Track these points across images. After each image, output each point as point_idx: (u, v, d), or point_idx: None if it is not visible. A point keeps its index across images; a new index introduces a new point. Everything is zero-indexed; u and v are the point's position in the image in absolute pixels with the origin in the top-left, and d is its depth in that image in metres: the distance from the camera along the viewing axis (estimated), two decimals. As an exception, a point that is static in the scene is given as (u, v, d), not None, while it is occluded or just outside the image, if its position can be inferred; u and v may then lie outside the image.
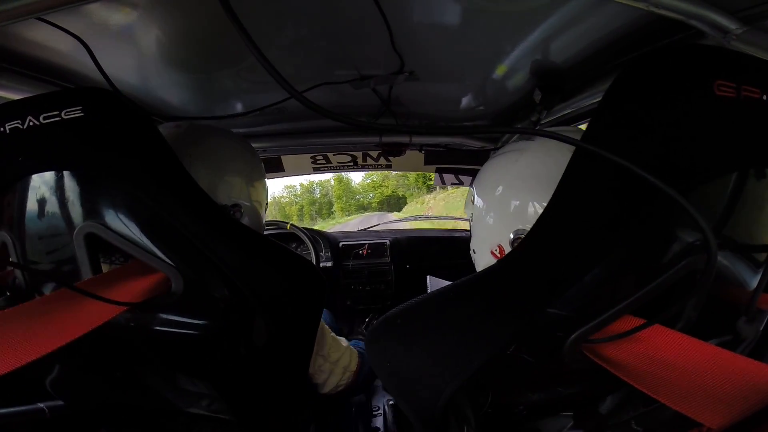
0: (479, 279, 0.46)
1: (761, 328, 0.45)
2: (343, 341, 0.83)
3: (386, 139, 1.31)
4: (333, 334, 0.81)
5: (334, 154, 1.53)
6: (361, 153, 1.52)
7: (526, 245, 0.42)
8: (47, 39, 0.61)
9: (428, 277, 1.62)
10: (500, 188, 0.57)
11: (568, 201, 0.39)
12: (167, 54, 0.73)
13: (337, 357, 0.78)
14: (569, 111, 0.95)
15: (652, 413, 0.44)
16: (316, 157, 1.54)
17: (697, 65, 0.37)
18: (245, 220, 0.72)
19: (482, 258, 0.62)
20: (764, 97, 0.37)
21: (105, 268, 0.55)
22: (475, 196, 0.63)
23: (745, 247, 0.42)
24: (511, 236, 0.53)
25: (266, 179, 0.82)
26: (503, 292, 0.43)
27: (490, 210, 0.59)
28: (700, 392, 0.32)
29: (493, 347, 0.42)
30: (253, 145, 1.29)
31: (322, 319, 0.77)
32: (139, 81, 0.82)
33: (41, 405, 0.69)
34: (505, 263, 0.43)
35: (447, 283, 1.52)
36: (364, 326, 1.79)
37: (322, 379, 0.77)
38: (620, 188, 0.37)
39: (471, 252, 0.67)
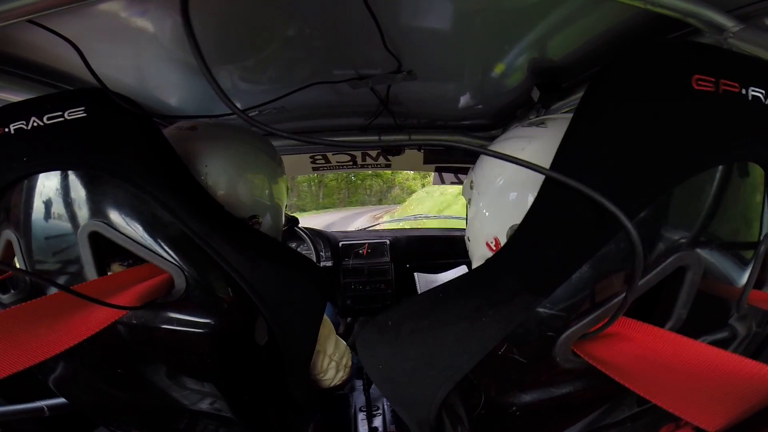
0: (468, 279, 0.46)
1: (754, 326, 0.44)
2: (341, 340, 0.85)
3: (385, 138, 1.31)
4: (334, 333, 0.84)
5: (333, 154, 1.53)
6: (360, 152, 1.52)
7: (513, 243, 0.42)
8: (42, 41, 0.61)
9: (416, 274, 1.62)
10: (501, 179, 0.54)
11: (553, 198, 0.39)
12: (164, 54, 0.73)
13: (340, 355, 0.81)
14: (568, 110, 0.95)
15: (646, 413, 0.44)
16: (315, 157, 1.54)
17: (676, 60, 0.37)
18: (266, 224, 0.71)
19: (477, 248, 0.60)
20: (743, 91, 0.37)
21: (111, 267, 0.56)
22: (475, 182, 0.60)
23: (730, 244, 0.42)
24: (508, 231, 0.52)
25: (286, 176, 0.81)
26: (492, 292, 0.42)
27: (488, 200, 0.56)
28: (695, 393, 0.32)
29: (485, 348, 0.42)
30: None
31: (328, 319, 0.78)
32: (135, 81, 0.82)
33: (41, 404, 0.69)
34: (493, 262, 0.43)
35: (434, 276, 1.51)
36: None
37: (328, 376, 0.79)
38: (605, 184, 0.37)
39: (466, 239, 0.65)
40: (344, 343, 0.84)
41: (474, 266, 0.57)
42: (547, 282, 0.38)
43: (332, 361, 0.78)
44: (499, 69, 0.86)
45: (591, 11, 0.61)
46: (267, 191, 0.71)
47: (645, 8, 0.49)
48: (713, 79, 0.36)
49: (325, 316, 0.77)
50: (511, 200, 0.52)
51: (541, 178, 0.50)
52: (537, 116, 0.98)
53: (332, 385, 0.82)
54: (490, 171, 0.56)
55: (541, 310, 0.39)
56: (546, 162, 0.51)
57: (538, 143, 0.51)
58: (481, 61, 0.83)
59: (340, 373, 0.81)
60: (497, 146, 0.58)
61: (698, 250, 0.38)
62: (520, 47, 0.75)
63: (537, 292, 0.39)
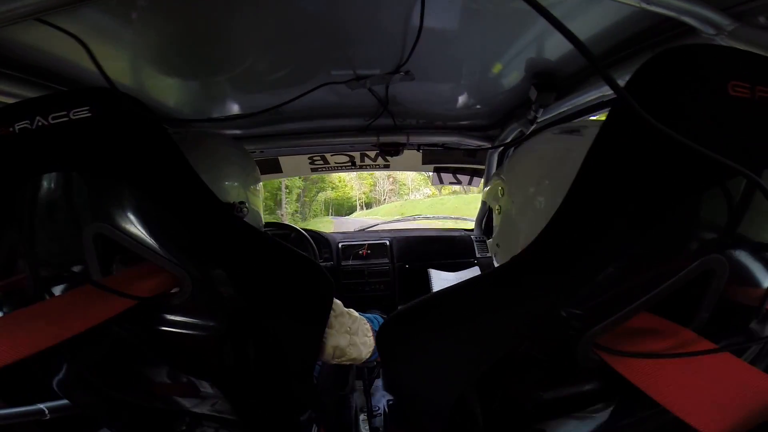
0: (492, 277, 0.46)
1: None
2: (352, 313, 0.81)
3: (383, 139, 1.31)
4: (356, 314, 0.80)
5: (331, 155, 1.53)
6: (358, 153, 1.53)
7: (539, 243, 0.42)
8: (43, 42, 0.62)
9: (430, 270, 1.62)
10: (533, 187, 0.52)
11: (582, 199, 0.39)
12: (163, 56, 0.73)
13: (356, 329, 0.77)
14: (565, 108, 0.95)
15: (658, 416, 0.44)
16: (314, 158, 1.54)
17: (711, 66, 0.36)
18: (247, 220, 0.72)
19: (510, 254, 0.55)
20: None
21: (115, 268, 0.56)
22: (508, 187, 0.58)
23: (757, 249, 0.41)
24: None
25: (261, 183, 0.83)
26: (517, 290, 0.42)
27: (527, 207, 0.53)
28: (700, 397, 0.32)
29: (505, 345, 0.42)
30: (251, 146, 1.30)
31: (338, 301, 0.76)
32: (135, 83, 0.82)
33: (41, 406, 0.69)
34: (517, 261, 0.43)
35: (447, 274, 1.50)
36: None
37: (356, 353, 0.75)
38: (636, 187, 0.37)
39: (494, 246, 0.63)
40: (357, 315, 0.80)
41: None
42: (571, 282, 0.38)
43: (355, 335, 0.75)
44: (496, 69, 0.87)
45: (587, 11, 0.61)
46: (243, 197, 0.75)
47: (640, 7, 0.49)
48: (749, 86, 0.35)
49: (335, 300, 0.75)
50: (546, 206, 0.50)
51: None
52: (534, 116, 0.99)
53: (367, 358, 0.77)
54: (525, 171, 0.55)
55: (564, 309, 0.39)
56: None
57: (581, 151, 0.47)
58: (479, 61, 0.84)
59: (368, 348, 0.76)
60: (536, 154, 0.56)
61: (725, 254, 0.38)
62: (518, 47, 0.75)
63: (561, 291, 0.39)
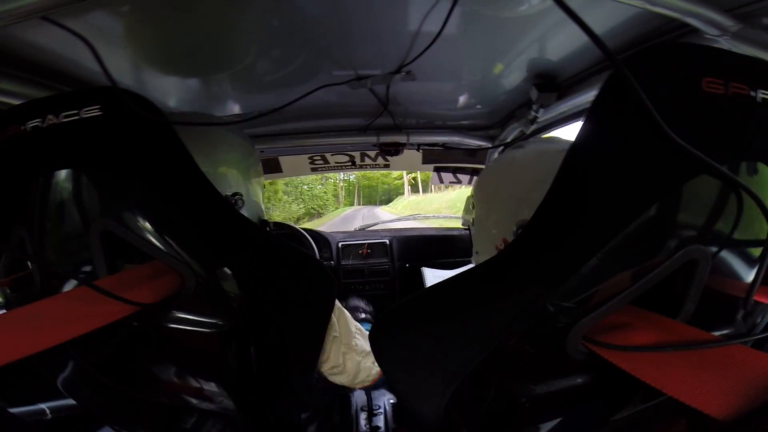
0: (480, 271, 0.46)
1: (758, 322, 0.45)
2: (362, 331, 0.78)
3: (383, 138, 1.31)
4: (360, 327, 0.78)
5: (332, 155, 1.53)
6: (359, 153, 1.52)
7: (524, 236, 0.42)
8: (45, 41, 0.61)
9: (423, 269, 1.63)
10: (500, 188, 0.60)
11: (565, 192, 0.39)
12: (165, 56, 0.73)
13: (368, 348, 0.73)
14: (565, 109, 0.95)
15: (655, 407, 0.44)
16: (314, 158, 1.54)
17: (686, 63, 0.37)
18: (244, 212, 0.71)
19: (486, 256, 0.62)
20: (752, 93, 0.37)
21: (122, 266, 0.56)
22: (476, 200, 0.66)
23: (738, 241, 0.42)
24: (515, 228, 0.54)
25: (263, 177, 0.81)
26: (504, 284, 0.43)
27: (491, 209, 0.61)
28: (704, 382, 0.32)
29: (495, 339, 0.42)
30: (251, 146, 1.30)
31: (345, 311, 0.75)
32: (135, 82, 0.82)
33: (42, 406, 0.69)
34: (503, 255, 0.43)
35: (441, 271, 1.51)
36: None
37: (348, 368, 0.71)
38: (617, 179, 0.37)
39: (474, 254, 0.68)
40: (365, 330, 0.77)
41: None
42: (557, 274, 0.39)
43: (351, 351, 0.71)
44: (497, 69, 0.87)
45: (589, 12, 0.61)
46: (242, 186, 0.70)
47: (644, 8, 0.49)
48: (722, 82, 0.36)
49: (344, 310, 0.74)
50: (513, 202, 0.56)
51: (534, 177, 0.52)
52: (535, 116, 0.99)
53: (360, 382, 0.73)
54: (486, 183, 0.64)
55: (552, 301, 0.39)
56: (535, 167, 0.55)
57: (523, 156, 0.59)
58: (480, 61, 0.84)
59: (366, 370, 0.72)
60: (491, 167, 0.66)
61: (707, 246, 0.39)
62: (519, 48, 0.75)
63: (548, 283, 0.39)
